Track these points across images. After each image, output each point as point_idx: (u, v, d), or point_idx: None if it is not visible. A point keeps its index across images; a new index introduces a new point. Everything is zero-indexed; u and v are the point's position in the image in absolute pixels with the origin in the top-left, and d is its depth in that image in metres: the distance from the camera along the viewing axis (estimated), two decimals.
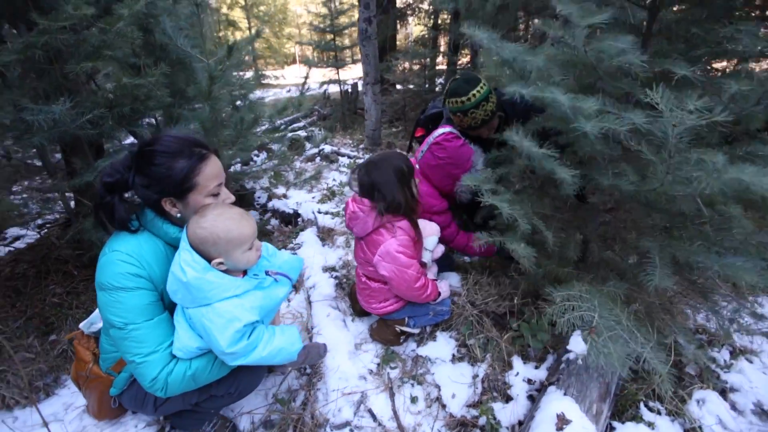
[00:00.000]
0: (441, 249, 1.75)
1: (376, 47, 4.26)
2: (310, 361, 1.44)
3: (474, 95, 1.75)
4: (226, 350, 1.05)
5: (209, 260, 1.05)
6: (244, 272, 1.17)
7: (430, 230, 1.68)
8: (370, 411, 1.45)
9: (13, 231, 2.53)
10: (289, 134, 5.23)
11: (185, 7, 2.52)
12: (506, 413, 1.32)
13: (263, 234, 2.82)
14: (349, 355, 1.66)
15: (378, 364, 1.66)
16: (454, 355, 1.65)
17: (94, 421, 1.42)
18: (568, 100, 0.96)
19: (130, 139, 2.81)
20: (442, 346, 1.68)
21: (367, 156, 4.62)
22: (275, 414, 1.49)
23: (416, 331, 1.71)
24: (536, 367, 1.49)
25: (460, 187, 1.78)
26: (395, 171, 1.46)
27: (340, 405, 1.45)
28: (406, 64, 7.30)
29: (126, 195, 1.06)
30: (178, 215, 1.09)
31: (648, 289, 1.57)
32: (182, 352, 1.09)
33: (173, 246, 1.12)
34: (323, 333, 1.75)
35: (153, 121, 2.54)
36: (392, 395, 1.51)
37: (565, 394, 1.20)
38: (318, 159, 4.51)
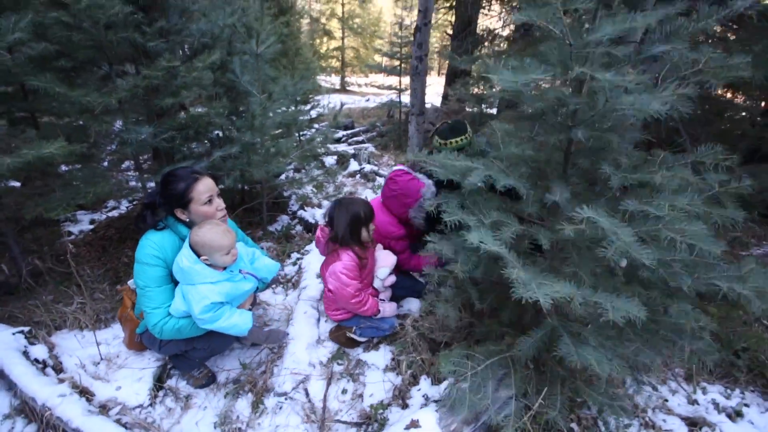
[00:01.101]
0: (392, 279, 2.11)
1: (424, 83, 4.68)
2: (270, 342, 1.94)
3: (452, 143, 2.10)
4: (197, 316, 1.57)
5: (199, 256, 1.58)
6: (225, 267, 1.69)
7: (384, 262, 2.06)
8: (306, 390, 1.88)
9: (111, 203, 3.44)
10: (340, 149, 5.87)
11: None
12: (396, 416, 1.66)
13: (287, 237, 3.40)
14: (308, 346, 2.11)
15: (329, 359, 2.08)
16: (387, 365, 2.00)
17: (126, 349, 2.05)
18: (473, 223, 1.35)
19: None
20: (381, 356, 2.05)
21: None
22: (243, 375, 2.00)
23: (362, 339, 2.10)
24: (442, 389, 1.79)
25: (412, 213, 2.13)
26: (352, 215, 1.87)
27: (285, 380, 1.90)
28: (476, 89, 7.61)
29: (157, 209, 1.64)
30: (187, 220, 1.64)
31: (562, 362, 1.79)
32: (175, 312, 1.64)
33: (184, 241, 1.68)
34: (295, 325, 2.21)
35: (219, 134, 3.26)
36: (329, 383, 1.93)
37: (436, 410, 1.52)
38: (358, 176, 5.04)
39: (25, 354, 1.87)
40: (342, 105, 3.60)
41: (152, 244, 1.58)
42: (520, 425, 1.50)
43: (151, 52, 2.41)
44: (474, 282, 1.85)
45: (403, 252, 2.28)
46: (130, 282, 2.00)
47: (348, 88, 19.46)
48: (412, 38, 7.03)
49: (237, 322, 1.67)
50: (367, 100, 13.72)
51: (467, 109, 7.52)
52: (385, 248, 2.22)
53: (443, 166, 1.61)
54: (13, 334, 1.93)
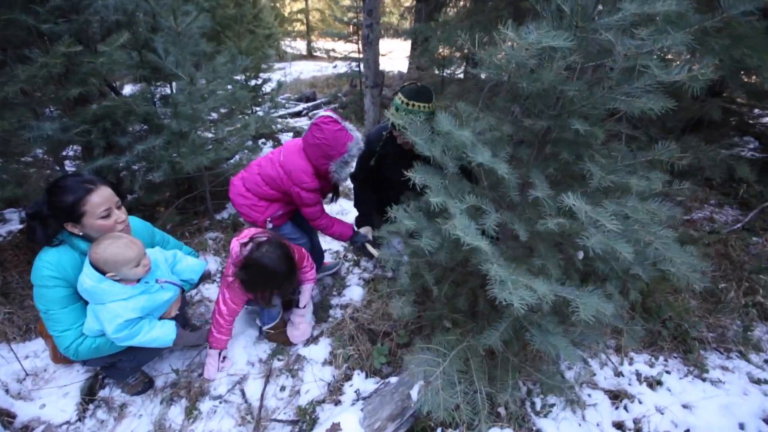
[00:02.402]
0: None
1: (377, 53, 4.45)
2: (205, 341, 1.91)
3: (415, 105, 1.90)
4: (112, 336, 1.50)
5: (104, 274, 1.48)
6: (138, 280, 1.60)
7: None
8: (242, 391, 1.87)
9: None
10: (300, 123, 5.64)
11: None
12: (326, 414, 1.68)
13: (235, 225, 3.28)
14: (246, 344, 2.08)
15: (269, 355, 2.07)
16: (325, 359, 2.01)
17: (53, 363, 1.96)
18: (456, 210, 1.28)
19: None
20: (320, 350, 2.05)
21: None
22: (182, 379, 1.97)
23: (266, 327, 2.07)
24: (375, 382, 1.81)
25: (333, 166, 2.00)
26: (271, 273, 1.71)
27: (221, 382, 1.88)
28: (445, 51, 7.33)
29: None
30: (81, 233, 1.50)
31: (510, 347, 1.81)
32: (89, 332, 1.55)
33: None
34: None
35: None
36: (267, 382, 1.92)
37: (362, 409, 1.53)
38: None
39: None
40: (280, 85, 3.37)
41: (47, 265, 1.46)
42: (483, 417, 1.51)
43: (49, 36, 2.15)
44: (429, 266, 1.80)
45: (314, 205, 2.14)
46: None
47: (315, 54, 18.48)
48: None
49: (158, 335, 1.60)
50: (335, 67, 13.07)
51: (433, 74, 7.28)
52: (294, 196, 2.08)
53: (427, 140, 1.44)
54: None
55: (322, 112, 2.05)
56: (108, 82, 2.96)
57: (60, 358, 1.90)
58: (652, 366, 2.04)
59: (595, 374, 1.98)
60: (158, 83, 2.94)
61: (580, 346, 1.83)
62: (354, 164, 2.07)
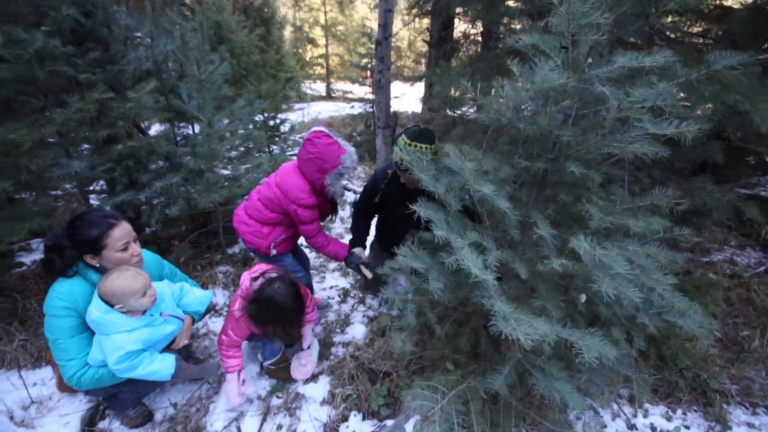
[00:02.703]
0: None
1: (388, 96, 4.67)
2: (205, 375, 1.93)
3: (417, 146, 1.96)
4: (112, 367, 1.54)
5: (112, 305, 1.55)
6: (144, 311, 1.65)
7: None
8: (238, 428, 1.84)
9: None
10: None
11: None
12: None
13: (245, 260, 3.36)
14: (247, 379, 2.07)
15: (268, 392, 2.05)
16: (324, 399, 1.97)
17: (58, 391, 2.00)
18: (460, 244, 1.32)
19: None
20: (319, 388, 2.02)
21: None
22: (180, 414, 1.96)
23: (267, 363, 2.06)
24: (372, 425, 1.76)
25: (329, 180, 2.04)
26: (282, 310, 1.74)
27: (219, 418, 1.87)
28: (456, 93, 7.61)
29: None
30: (98, 265, 1.59)
31: (513, 391, 1.76)
32: (93, 361, 1.59)
33: None
34: None
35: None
36: (263, 420, 1.89)
37: None
38: None
39: None
40: (293, 127, 3.56)
41: (59, 296, 1.54)
42: None
43: (86, 84, 2.37)
44: (431, 304, 1.79)
45: (311, 223, 2.16)
46: None
47: (333, 95, 19.39)
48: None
49: (158, 368, 1.63)
50: (352, 107, 13.67)
51: (445, 115, 7.52)
52: (292, 214, 2.12)
53: (432, 177, 1.49)
54: None
55: (314, 128, 2.12)
56: (136, 123, 3.20)
57: (65, 386, 1.94)
58: (669, 420, 1.92)
59: (606, 426, 1.88)
60: (182, 124, 3.16)
61: (588, 394, 1.75)
62: (348, 176, 2.13)
